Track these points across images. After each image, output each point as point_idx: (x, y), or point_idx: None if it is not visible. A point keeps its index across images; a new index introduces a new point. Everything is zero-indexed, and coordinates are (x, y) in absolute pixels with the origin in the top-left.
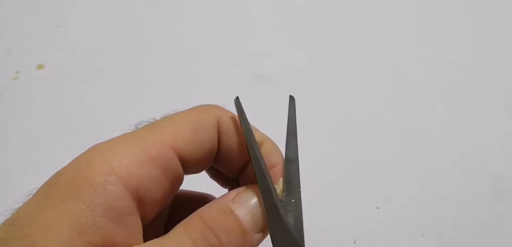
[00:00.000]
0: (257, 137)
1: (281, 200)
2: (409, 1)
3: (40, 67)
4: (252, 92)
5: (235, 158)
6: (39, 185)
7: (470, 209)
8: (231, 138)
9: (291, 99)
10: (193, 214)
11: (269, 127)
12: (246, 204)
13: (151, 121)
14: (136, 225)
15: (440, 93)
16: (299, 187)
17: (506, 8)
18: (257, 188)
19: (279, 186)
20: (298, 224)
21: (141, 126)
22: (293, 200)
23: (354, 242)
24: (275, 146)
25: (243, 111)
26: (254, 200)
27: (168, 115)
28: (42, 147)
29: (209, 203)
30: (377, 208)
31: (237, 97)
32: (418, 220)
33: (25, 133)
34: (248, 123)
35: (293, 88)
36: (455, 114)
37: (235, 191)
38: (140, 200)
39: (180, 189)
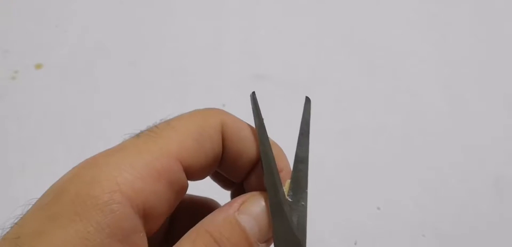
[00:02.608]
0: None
1: (287, 197)
2: (410, 2)
3: (38, 66)
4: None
5: (240, 164)
6: (38, 186)
7: (471, 209)
8: (235, 144)
9: (307, 100)
10: (199, 225)
11: (268, 127)
12: (252, 213)
13: (152, 126)
14: (142, 242)
15: (440, 93)
16: (307, 188)
17: (506, 7)
18: (262, 194)
19: (285, 188)
20: (301, 224)
21: (142, 134)
22: (299, 200)
23: (355, 243)
24: (281, 151)
25: (258, 106)
26: (259, 208)
27: (169, 119)
28: (41, 147)
29: (214, 212)
30: (378, 208)
31: (253, 92)
32: (419, 221)
33: (24, 132)
34: (262, 119)
35: (293, 88)
36: (455, 113)
37: (240, 199)
38: (146, 217)
39: None
